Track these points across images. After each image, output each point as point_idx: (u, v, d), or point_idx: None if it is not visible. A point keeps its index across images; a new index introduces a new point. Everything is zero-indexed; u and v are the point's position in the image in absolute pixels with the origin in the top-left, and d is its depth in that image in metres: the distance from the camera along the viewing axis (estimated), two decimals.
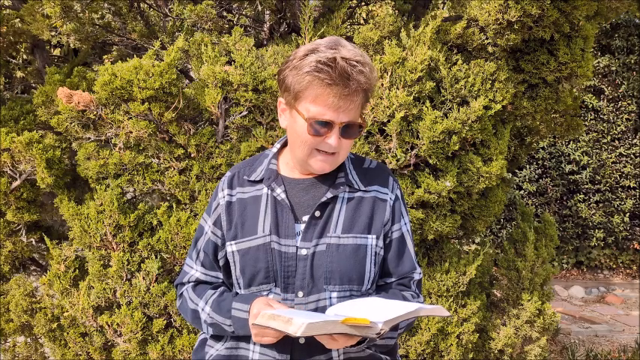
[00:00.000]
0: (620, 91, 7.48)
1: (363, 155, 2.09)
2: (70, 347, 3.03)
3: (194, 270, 1.66)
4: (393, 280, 1.60)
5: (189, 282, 1.66)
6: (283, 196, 1.54)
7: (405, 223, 1.62)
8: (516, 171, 7.47)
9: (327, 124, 1.44)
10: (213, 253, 1.62)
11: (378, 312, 1.36)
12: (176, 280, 1.72)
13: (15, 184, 3.10)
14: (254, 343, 1.52)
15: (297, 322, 1.27)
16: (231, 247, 1.56)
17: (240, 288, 1.57)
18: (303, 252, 1.51)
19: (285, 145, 1.63)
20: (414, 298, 1.58)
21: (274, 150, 1.64)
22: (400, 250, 1.60)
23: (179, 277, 1.71)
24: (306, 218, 1.53)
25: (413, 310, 1.35)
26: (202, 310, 1.58)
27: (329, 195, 1.54)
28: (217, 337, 1.61)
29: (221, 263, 1.61)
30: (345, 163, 1.59)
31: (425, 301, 1.67)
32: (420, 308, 1.37)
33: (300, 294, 1.50)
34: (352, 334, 1.33)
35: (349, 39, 3.11)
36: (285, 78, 1.48)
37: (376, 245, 1.55)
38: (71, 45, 4.04)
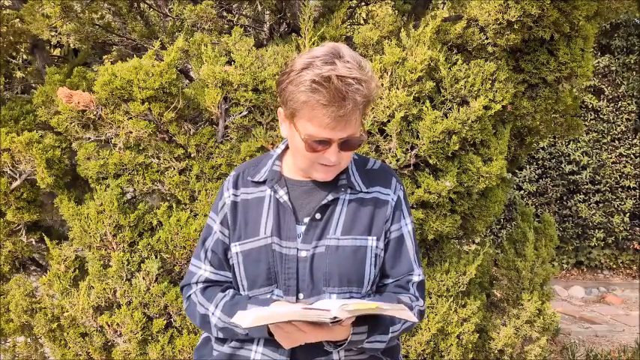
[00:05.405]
0: (620, 91, 7.48)
1: (363, 155, 2.09)
2: (70, 347, 3.03)
3: (202, 270, 1.62)
4: (390, 281, 1.59)
5: (197, 283, 1.62)
6: (285, 198, 1.54)
7: (407, 224, 1.60)
8: (516, 171, 7.47)
9: (325, 142, 1.44)
10: (223, 252, 1.60)
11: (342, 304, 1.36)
12: (182, 282, 1.67)
13: (15, 184, 3.10)
14: (257, 344, 1.52)
15: (246, 317, 1.30)
16: (235, 249, 1.56)
17: (244, 290, 1.57)
18: (303, 254, 1.51)
19: (288, 146, 1.62)
20: (412, 302, 1.56)
21: (278, 151, 1.63)
22: (397, 251, 1.58)
23: (185, 278, 1.66)
24: (307, 220, 1.53)
25: (374, 307, 1.34)
26: (212, 314, 1.55)
27: (330, 197, 1.53)
28: (224, 340, 1.59)
29: (231, 262, 1.59)
30: (347, 166, 1.58)
31: (425, 303, 1.64)
32: (382, 306, 1.35)
33: (301, 296, 1.50)
34: (311, 321, 1.34)
35: (349, 39, 3.10)
36: (283, 91, 1.45)
37: (376, 247, 1.54)
38: (71, 45, 4.04)
